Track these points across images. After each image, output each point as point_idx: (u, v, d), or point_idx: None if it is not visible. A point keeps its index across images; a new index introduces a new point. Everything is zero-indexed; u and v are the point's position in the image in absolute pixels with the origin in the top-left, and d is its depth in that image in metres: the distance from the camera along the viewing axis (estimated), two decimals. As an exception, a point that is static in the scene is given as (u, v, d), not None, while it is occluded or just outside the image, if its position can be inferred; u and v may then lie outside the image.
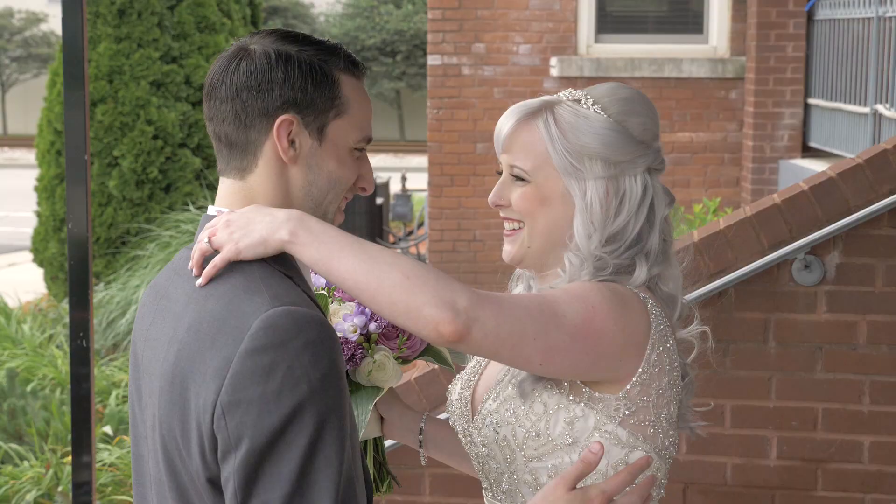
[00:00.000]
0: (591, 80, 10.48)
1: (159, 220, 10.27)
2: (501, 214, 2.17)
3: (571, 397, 2.03)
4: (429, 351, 2.35)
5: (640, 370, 2.02)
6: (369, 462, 2.37)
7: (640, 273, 2.08)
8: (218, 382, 1.78)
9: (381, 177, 14.61)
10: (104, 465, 5.90)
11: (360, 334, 2.24)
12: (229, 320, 1.81)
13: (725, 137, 10.22)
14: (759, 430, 4.21)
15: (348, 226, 11.80)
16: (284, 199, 1.98)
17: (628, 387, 2.02)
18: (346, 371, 2.21)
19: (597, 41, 10.69)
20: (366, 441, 2.39)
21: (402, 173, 15.46)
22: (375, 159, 33.13)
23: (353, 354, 2.23)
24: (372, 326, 2.25)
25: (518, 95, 10.59)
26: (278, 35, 2.01)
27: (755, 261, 4.09)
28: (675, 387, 2.10)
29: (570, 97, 2.13)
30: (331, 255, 1.85)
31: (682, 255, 2.29)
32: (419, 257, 12.81)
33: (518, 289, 2.28)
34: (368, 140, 2.05)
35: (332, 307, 2.29)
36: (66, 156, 3.71)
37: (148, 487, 2.01)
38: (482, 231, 10.73)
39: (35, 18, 31.71)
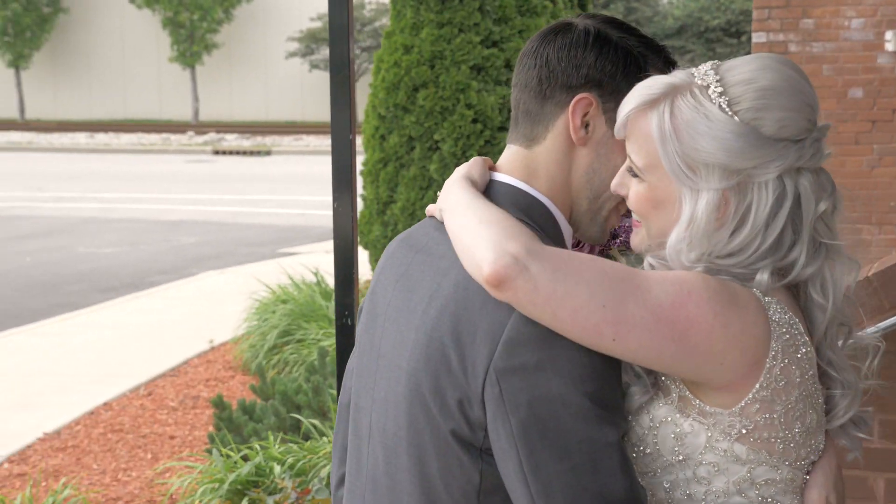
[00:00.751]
0: (930, 54, 9.85)
1: (477, 203, 10.36)
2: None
3: (680, 410, 1.78)
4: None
5: (758, 385, 1.74)
6: None
7: (762, 278, 1.78)
8: (490, 346, 1.74)
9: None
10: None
11: None
12: None
13: None
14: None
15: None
16: (565, 179, 1.95)
17: (743, 403, 1.75)
18: None
19: (938, 12, 10.01)
20: None
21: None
22: (717, 142, 32.53)
23: None
24: None
25: (849, 73, 10.08)
26: (607, 19, 1.99)
27: None
28: (812, 396, 1.81)
29: (701, 80, 1.80)
30: (451, 217, 1.86)
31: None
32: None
33: None
34: None
35: None
36: (332, 137, 3.70)
37: (365, 440, 1.99)
38: (808, 215, 10.27)
39: (385, 9, 32.75)
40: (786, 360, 1.76)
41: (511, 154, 1.98)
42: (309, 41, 39.66)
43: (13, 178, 26.96)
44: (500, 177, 1.96)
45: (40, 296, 12.43)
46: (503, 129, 10.80)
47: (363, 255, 11.48)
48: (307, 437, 6.27)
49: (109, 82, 46.03)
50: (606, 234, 2.02)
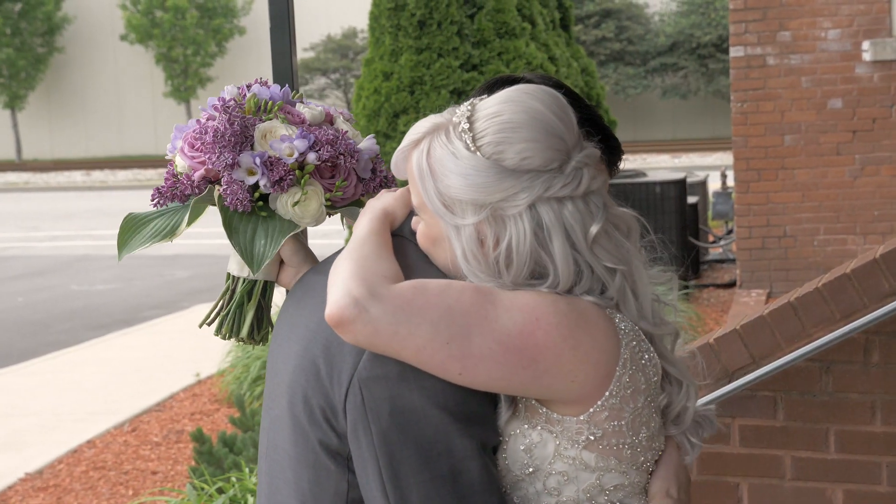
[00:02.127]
0: (908, 63, 9.87)
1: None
2: None
3: (528, 422, 1.80)
4: (354, 204, 2.16)
5: (607, 393, 1.77)
6: (251, 307, 2.17)
7: (590, 299, 1.81)
8: (356, 356, 1.78)
9: (697, 175, 14.24)
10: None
11: (296, 160, 2.04)
12: None
13: None
14: None
15: (659, 226, 11.52)
16: None
17: (592, 409, 1.77)
18: (268, 196, 2.06)
19: (914, 21, 10.02)
20: (254, 283, 2.17)
21: (722, 170, 15.01)
22: (712, 158, 32.49)
23: (282, 178, 2.03)
24: (311, 156, 2.04)
25: (828, 83, 10.08)
26: (555, 81, 2.01)
27: None
28: (656, 401, 1.85)
29: (457, 118, 1.83)
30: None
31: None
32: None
33: None
34: None
35: (269, 124, 2.08)
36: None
37: (264, 459, 2.02)
38: (793, 226, 10.26)
39: (376, 37, 32.80)
40: (633, 368, 1.80)
41: None
42: (303, 71, 39.75)
43: (8, 218, 26.99)
44: None
45: (31, 335, 12.41)
46: (485, 152, 10.80)
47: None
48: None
49: (105, 120, 46.17)
50: None
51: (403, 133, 10.49)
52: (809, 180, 10.21)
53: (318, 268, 2.05)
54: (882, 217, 10.18)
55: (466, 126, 1.80)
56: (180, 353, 10.69)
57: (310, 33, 39.61)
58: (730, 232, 13.92)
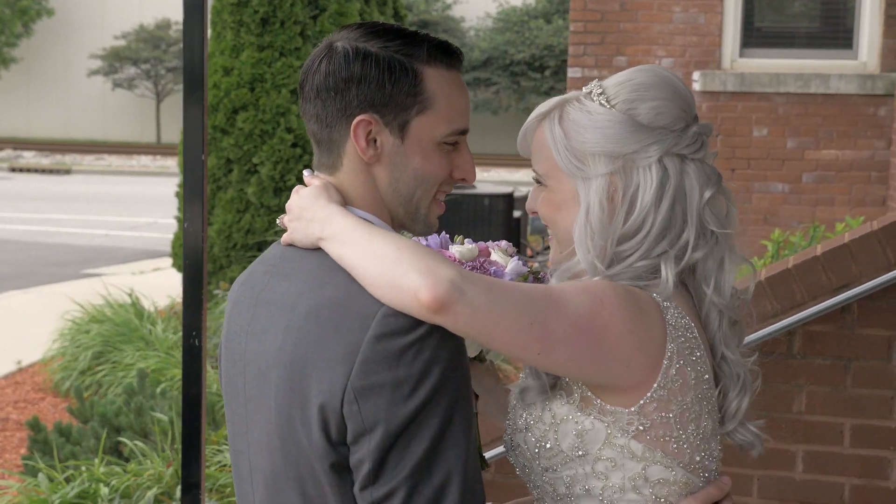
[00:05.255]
0: (735, 96, 10.29)
1: (295, 228, 10.32)
2: None
3: (580, 409, 1.93)
4: None
5: (655, 385, 1.91)
6: None
7: (667, 275, 1.95)
8: (346, 367, 1.80)
9: (521, 190, 14.54)
10: (223, 466, 5.92)
11: None
12: (352, 307, 1.83)
13: (872, 155, 9.90)
14: (880, 451, 4.03)
15: (487, 237, 11.72)
16: (374, 195, 1.99)
17: (642, 402, 1.91)
18: None
19: (741, 55, 10.47)
20: None
21: (542, 187, 15.31)
22: (519, 174, 33.06)
23: None
24: None
25: (658, 109, 10.43)
26: (365, 30, 1.98)
27: (880, 276, 3.91)
28: (707, 400, 1.98)
29: (587, 89, 2.03)
30: (342, 245, 1.86)
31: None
32: (555, 272, 12.67)
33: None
34: (462, 132, 2.00)
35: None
36: (184, 156, 3.68)
37: (248, 482, 2.03)
38: (618, 246, 10.59)
39: (191, 30, 32.29)
40: (681, 362, 1.92)
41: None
42: (112, 59, 38.84)
43: None
44: None
45: None
46: (322, 154, 10.82)
47: (178, 277, 11.34)
48: (128, 460, 6.19)
49: None
50: (434, 226, 2.07)
51: (242, 129, 10.44)
52: (636, 202, 10.55)
53: (252, 285, 2.06)
54: (700, 241, 10.59)
55: (600, 90, 1.99)
56: (-3, 339, 10.41)
57: (121, 22, 38.81)
58: (547, 248, 14.22)
